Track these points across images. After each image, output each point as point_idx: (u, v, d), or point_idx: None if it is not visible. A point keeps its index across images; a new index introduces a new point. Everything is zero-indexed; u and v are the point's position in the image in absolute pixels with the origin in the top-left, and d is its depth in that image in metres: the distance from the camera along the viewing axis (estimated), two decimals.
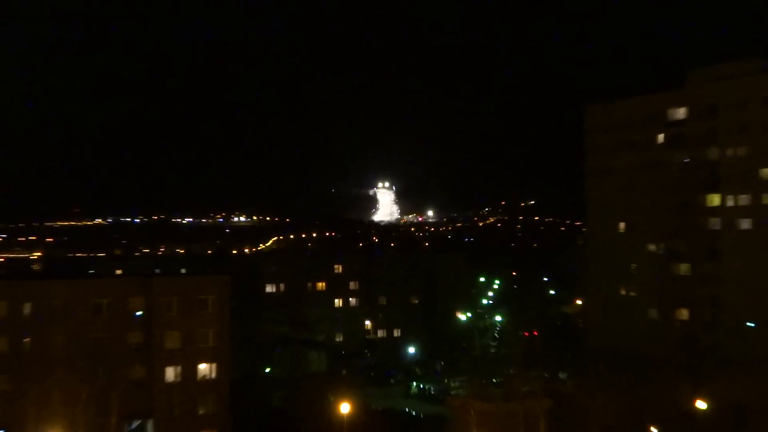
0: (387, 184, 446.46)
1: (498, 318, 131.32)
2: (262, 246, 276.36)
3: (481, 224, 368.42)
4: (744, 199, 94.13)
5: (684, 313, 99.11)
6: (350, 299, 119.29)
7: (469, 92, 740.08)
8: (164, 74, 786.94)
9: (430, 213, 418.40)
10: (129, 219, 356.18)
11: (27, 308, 64.00)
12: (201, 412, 67.50)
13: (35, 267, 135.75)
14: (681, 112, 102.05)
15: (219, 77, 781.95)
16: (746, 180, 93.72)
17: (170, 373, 67.35)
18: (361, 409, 72.48)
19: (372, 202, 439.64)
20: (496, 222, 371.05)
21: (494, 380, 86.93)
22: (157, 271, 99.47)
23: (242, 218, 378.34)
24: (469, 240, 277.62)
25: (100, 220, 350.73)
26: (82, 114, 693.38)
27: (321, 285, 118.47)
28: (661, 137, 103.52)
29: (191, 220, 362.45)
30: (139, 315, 67.27)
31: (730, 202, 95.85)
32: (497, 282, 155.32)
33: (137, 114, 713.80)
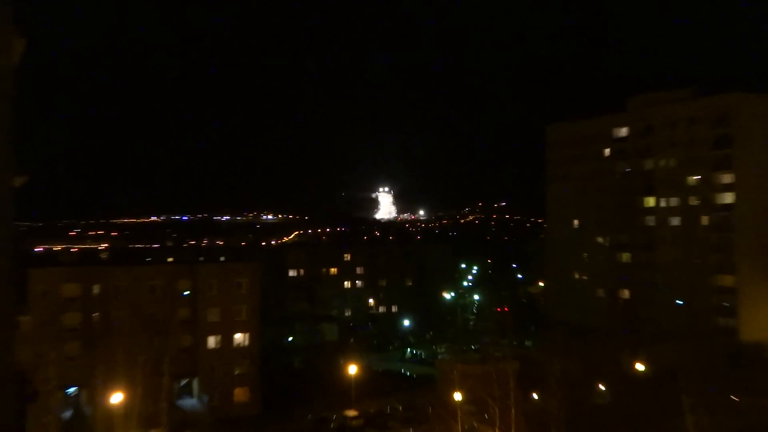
0: (386, 189, 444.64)
1: (476, 297, 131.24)
2: (285, 239, 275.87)
3: (462, 221, 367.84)
4: (674, 201, 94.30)
5: (626, 293, 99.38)
6: (356, 282, 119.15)
7: (454, 114, 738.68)
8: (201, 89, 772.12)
9: (421, 212, 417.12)
10: (178, 217, 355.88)
11: (96, 289, 64.17)
12: (236, 372, 67.57)
13: (102, 256, 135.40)
14: (623, 131, 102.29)
15: (251, 95, 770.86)
16: (675, 186, 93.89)
17: (211, 342, 67.53)
18: (365, 370, 72.66)
19: (374, 204, 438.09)
20: (474, 219, 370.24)
21: (473, 347, 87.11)
22: (201, 259, 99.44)
23: (269, 216, 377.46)
24: (452, 234, 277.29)
25: (155, 218, 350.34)
26: (136, 129, 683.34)
27: (333, 270, 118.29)
28: (607, 151, 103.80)
29: (228, 218, 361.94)
30: (186, 294, 67.31)
31: (662, 204, 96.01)
32: (475, 268, 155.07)
33: (180, 127, 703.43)
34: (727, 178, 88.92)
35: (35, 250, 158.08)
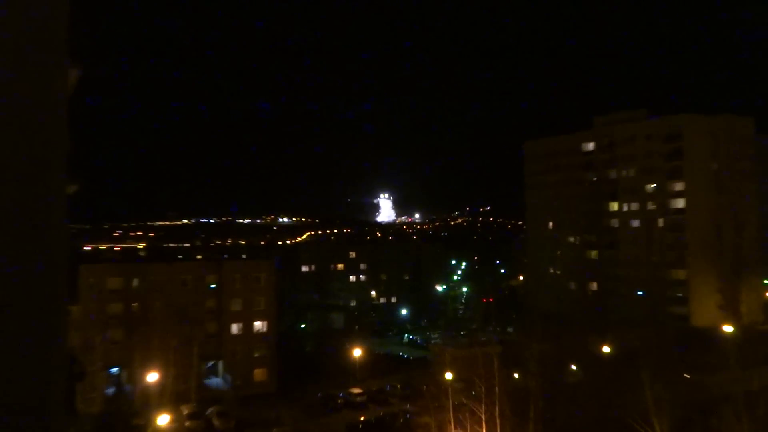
0: (386, 195, 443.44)
1: (464, 289, 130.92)
2: (299, 239, 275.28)
3: (452, 223, 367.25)
4: (634, 206, 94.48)
5: (593, 285, 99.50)
6: (360, 276, 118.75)
7: (446, 129, 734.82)
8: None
9: (417, 215, 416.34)
10: (206, 220, 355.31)
11: (135, 282, 63.93)
12: (256, 355, 67.19)
13: (141, 254, 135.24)
14: (590, 146, 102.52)
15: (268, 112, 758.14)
16: (635, 192, 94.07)
17: (234, 328, 67.20)
18: (368, 353, 72.46)
19: (375, 208, 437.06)
20: (463, 222, 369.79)
21: (462, 333, 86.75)
22: (225, 256, 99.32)
23: (285, 219, 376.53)
24: (444, 234, 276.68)
25: (186, 221, 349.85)
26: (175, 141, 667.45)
27: (340, 266, 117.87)
28: (576, 163, 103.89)
29: (249, 220, 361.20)
30: (213, 287, 67.11)
31: (624, 208, 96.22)
32: (464, 264, 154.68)
33: (204, 139, 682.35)
34: (678, 186, 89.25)
35: (84, 248, 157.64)
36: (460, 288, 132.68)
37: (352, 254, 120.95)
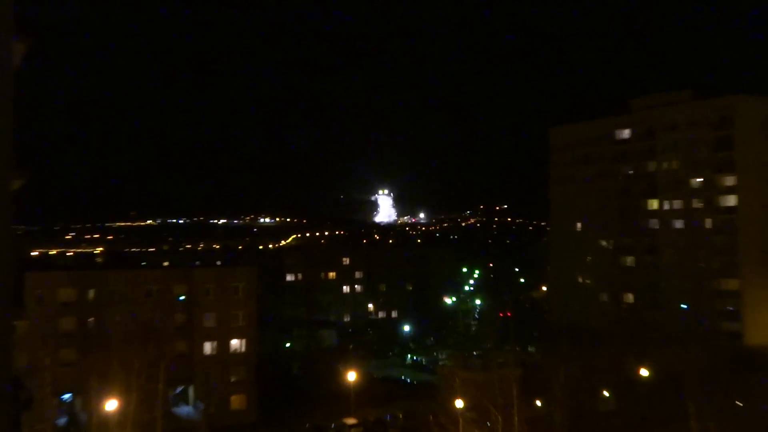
0: (386, 191, 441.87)
1: (478, 301, 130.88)
2: (283, 242, 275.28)
3: (463, 224, 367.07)
4: (677, 204, 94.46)
5: (629, 297, 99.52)
6: (356, 286, 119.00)
7: (455, 115, 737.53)
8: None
9: (422, 215, 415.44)
10: (174, 221, 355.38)
11: (91, 294, 64.15)
12: (233, 379, 67.53)
13: (98, 260, 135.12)
14: (626, 133, 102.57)
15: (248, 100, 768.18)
16: (678, 188, 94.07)
17: (208, 348, 67.50)
18: (365, 376, 72.56)
19: (373, 206, 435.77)
20: (476, 223, 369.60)
21: (475, 353, 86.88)
22: (197, 263, 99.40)
23: (267, 219, 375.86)
24: (453, 237, 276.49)
25: (150, 222, 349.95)
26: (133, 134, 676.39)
27: (332, 274, 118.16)
28: (609, 153, 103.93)
29: (225, 221, 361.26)
30: (182, 299, 67.31)
31: (666, 206, 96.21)
32: (477, 272, 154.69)
33: (176, 129, 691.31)
34: (729, 181, 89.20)
35: (31, 253, 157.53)
36: (473, 300, 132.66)
37: (346, 261, 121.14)
